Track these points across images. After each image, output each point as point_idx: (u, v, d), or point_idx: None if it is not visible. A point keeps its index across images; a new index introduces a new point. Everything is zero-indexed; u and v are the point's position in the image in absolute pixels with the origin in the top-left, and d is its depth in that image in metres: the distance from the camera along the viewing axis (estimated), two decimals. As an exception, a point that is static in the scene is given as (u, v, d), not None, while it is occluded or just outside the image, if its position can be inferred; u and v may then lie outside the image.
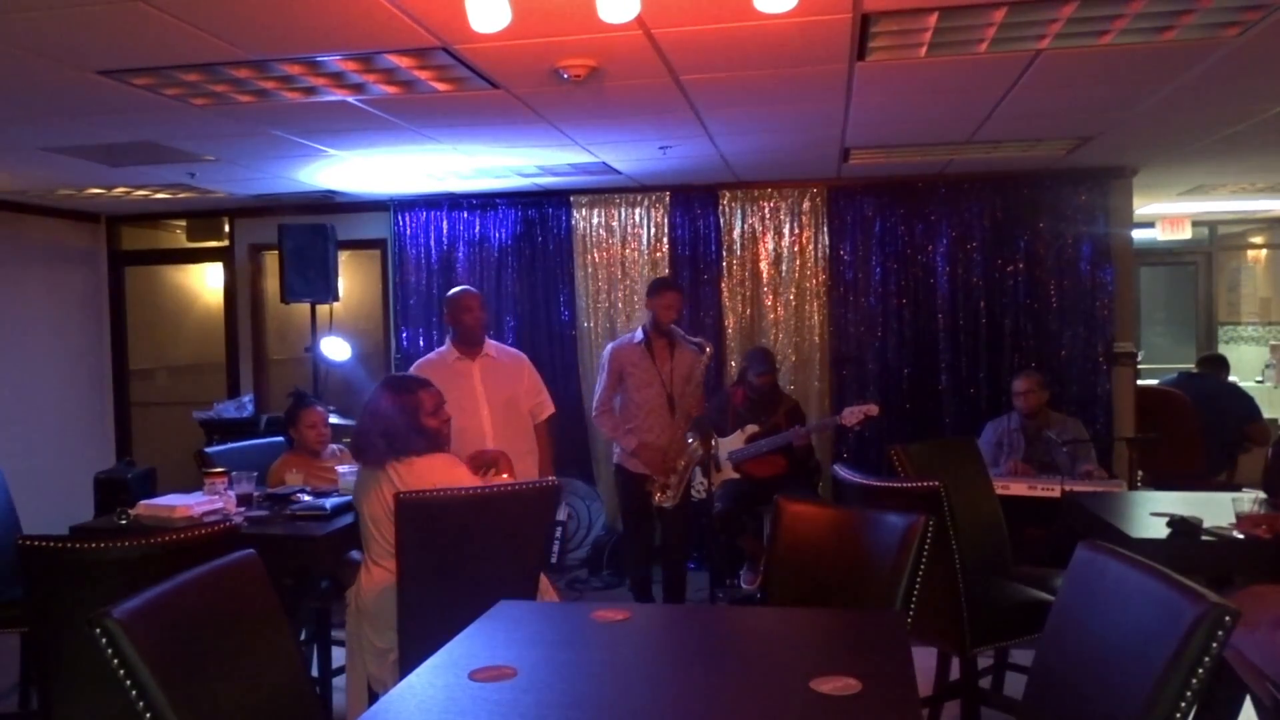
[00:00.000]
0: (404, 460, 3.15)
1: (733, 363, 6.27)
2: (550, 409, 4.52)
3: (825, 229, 6.20)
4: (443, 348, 4.43)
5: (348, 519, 3.53)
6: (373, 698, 3.09)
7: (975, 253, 6.05)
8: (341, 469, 4.02)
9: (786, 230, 6.26)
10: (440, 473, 3.16)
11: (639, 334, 4.86)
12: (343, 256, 6.40)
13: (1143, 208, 7.54)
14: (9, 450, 6.07)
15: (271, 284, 6.95)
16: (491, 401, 4.30)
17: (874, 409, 5.17)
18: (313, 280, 5.91)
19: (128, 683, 1.71)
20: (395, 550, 2.99)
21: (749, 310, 6.32)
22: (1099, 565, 2.01)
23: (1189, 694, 1.59)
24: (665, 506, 4.75)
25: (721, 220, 6.33)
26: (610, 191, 6.39)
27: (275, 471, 4.25)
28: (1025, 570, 3.74)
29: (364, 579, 3.18)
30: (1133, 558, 1.93)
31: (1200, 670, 1.59)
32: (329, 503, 3.68)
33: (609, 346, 4.90)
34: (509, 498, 3.10)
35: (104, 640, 1.71)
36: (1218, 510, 3.33)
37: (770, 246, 6.29)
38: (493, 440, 4.21)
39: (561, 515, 6.19)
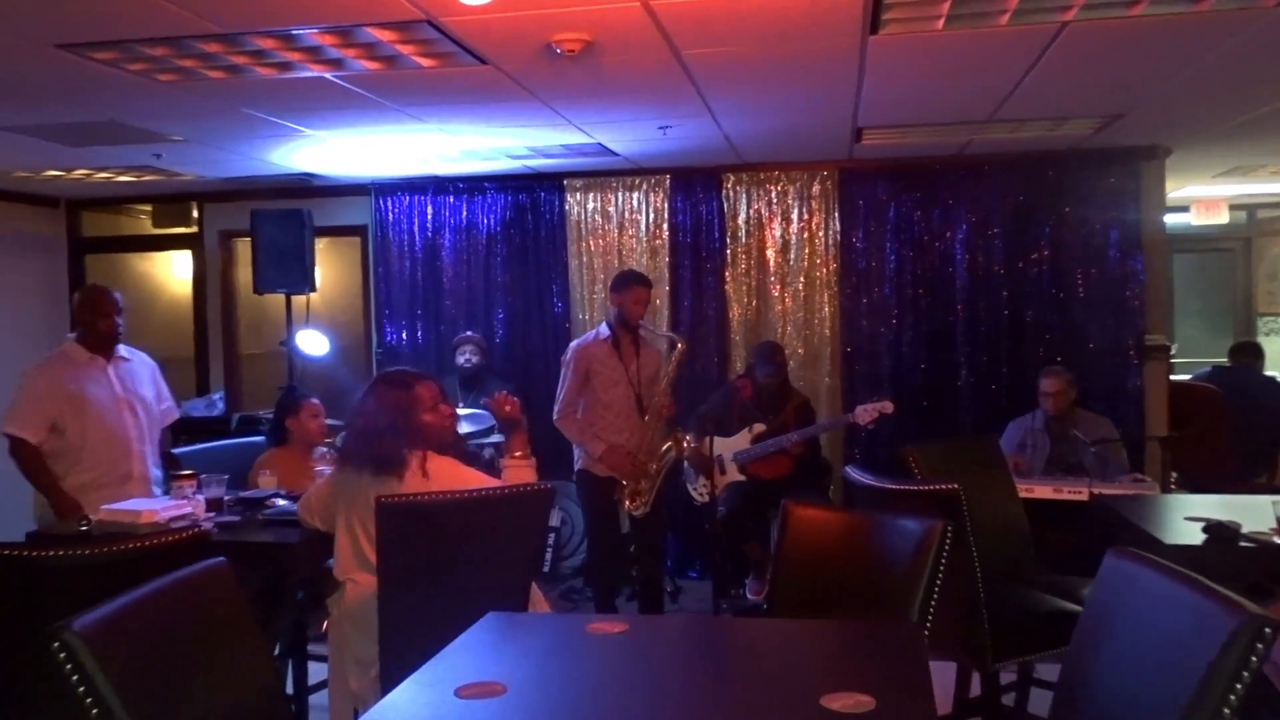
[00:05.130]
0: (407, 465, 3.10)
1: (737, 359, 6.27)
2: (176, 413, 4.63)
3: (836, 214, 6.19)
4: (67, 347, 4.29)
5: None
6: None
7: (996, 239, 6.05)
8: (327, 470, 4.00)
9: (795, 215, 6.25)
10: (449, 474, 3.14)
11: (604, 330, 4.85)
12: (320, 244, 6.38)
13: (1176, 191, 7.53)
14: (-37, 452, 6.05)
15: (243, 273, 6.94)
16: (138, 407, 4.37)
17: (888, 406, 5.18)
18: (288, 269, 5.90)
19: (88, 700, 1.70)
20: (376, 558, 2.98)
21: (754, 301, 6.31)
22: (1130, 573, 2.01)
23: (1226, 710, 1.59)
24: (636, 515, 4.74)
25: (725, 205, 6.32)
26: (606, 174, 6.37)
27: (255, 470, 4.26)
28: (1050, 579, 3.74)
29: (348, 587, 3.17)
30: (1166, 565, 1.93)
31: (1238, 685, 1.59)
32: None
33: (573, 345, 4.90)
34: (498, 502, 3.10)
35: (63, 655, 1.70)
36: (1257, 514, 3.32)
37: (777, 233, 6.28)
38: (139, 445, 4.30)
39: (555, 521, 6.15)
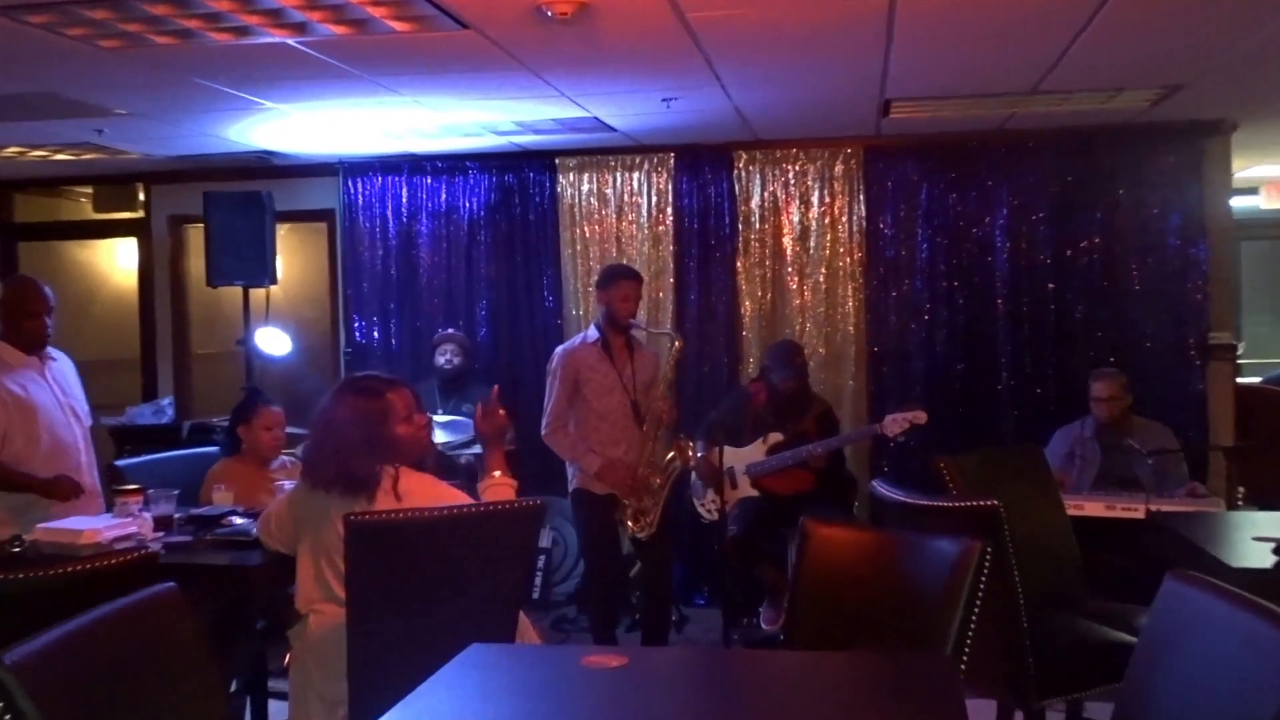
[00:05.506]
0: (380, 484, 3.10)
1: (751, 360, 6.27)
2: (90, 420, 4.55)
3: (861, 197, 6.19)
4: None
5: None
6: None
7: (1041, 225, 6.05)
8: (287, 484, 4.01)
9: (815, 199, 6.25)
10: (425, 494, 3.14)
11: (593, 332, 4.87)
12: (282, 230, 6.38)
13: (1243, 170, 7.53)
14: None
15: (195, 264, 6.94)
16: (79, 412, 4.31)
17: (921, 416, 5.17)
18: (245, 259, 5.91)
19: (23, 743, 1.70)
20: (344, 585, 2.99)
21: (769, 295, 6.32)
22: (1191, 600, 2.01)
23: (1299, 754, 1.59)
24: (640, 537, 4.74)
25: (737, 187, 6.32)
26: (603, 152, 6.38)
27: (207, 483, 4.26)
28: (1102, 606, 3.75)
29: (312, 617, 3.17)
30: (1232, 591, 1.93)
31: (1313, 726, 1.59)
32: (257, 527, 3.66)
33: (558, 351, 4.91)
34: (482, 520, 3.10)
35: (-6, 692, 1.70)
36: (1333, 534, 3.32)
37: (795, 218, 6.28)
38: (85, 455, 4.26)
39: (545, 541, 6.19)
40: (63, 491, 3.97)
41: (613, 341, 4.81)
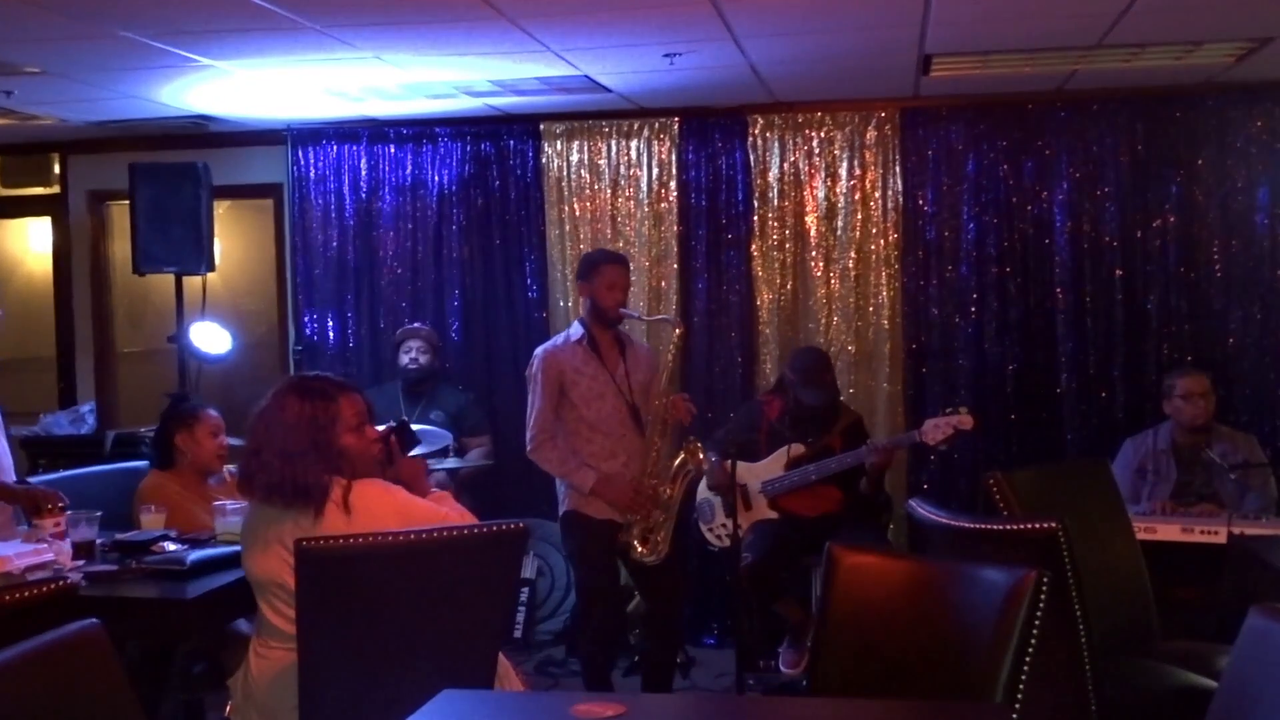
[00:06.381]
0: (328, 496, 3.11)
1: (768, 359, 6.27)
2: None
3: (897, 169, 6.20)
4: None
5: (228, 576, 3.52)
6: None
7: (1107, 202, 6.05)
8: (228, 505, 4.00)
9: (843, 171, 6.25)
10: (382, 507, 3.15)
11: (577, 329, 4.86)
12: (221, 208, 6.38)
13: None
14: None
15: (120, 247, 6.95)
16: (2, 424, 4.38)
17: (967, 421, 5.17)
18: (178, 242, 5.90)
19: (-79, 805, 1.71)
20: (295, 620, 2.99)
21: (790, 283, 6.32)
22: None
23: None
24: (648, 562, 4.73)
25: (752, 157, 6.32)
26: (596, 117, 6.39)
27: (135, 502, 4.26)
28: (1177, 646, 3.75)
29: (254, 661, 3.17)
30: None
31: None
32: (192, 555, 3.66)
33: (538, 352, 4.88)
34: (455, 546, 3.10)
35: (-112, 746, 1.71)
36: None
37: (820, 194, 6.28)
38: (14, 473, 4.32)
39: (528, 571, 6.19)
40: (35, 503, 3.95)
41: (600, 339, 4.80)
